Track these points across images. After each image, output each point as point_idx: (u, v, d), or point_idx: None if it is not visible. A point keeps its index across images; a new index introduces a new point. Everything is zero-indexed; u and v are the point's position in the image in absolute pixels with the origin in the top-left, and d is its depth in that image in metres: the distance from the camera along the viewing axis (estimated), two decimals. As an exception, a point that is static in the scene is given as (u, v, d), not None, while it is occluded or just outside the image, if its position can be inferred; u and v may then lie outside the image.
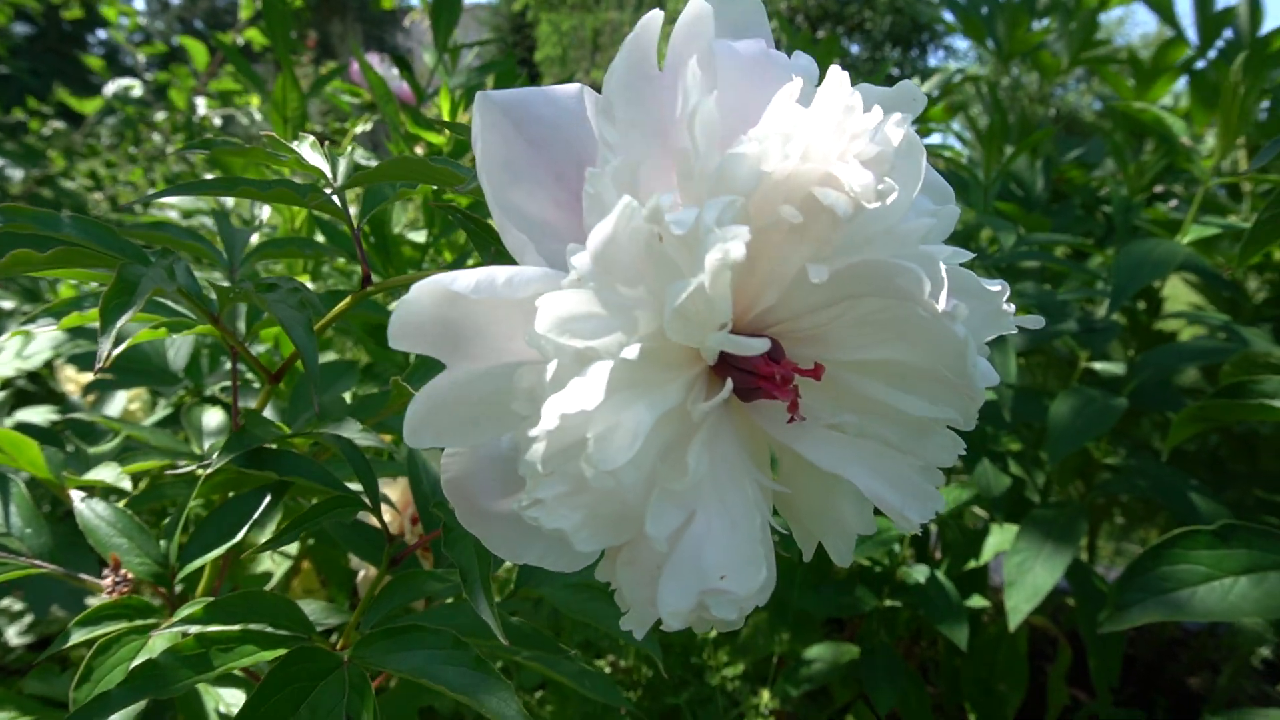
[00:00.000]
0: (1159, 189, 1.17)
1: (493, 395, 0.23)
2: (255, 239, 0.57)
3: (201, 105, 1.82)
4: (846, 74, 0.22)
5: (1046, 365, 1.23)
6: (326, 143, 0.41)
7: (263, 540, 0.40)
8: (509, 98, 0.24)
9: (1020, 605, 0.74)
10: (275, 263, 1.23)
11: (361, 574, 0.78)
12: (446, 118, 0.89)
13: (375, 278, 0.62)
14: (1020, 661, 0.89)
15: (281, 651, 0.35)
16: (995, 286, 0.24)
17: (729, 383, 0.23)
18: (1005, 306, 0.24)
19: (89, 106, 1.87)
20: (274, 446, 0.42)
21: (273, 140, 0.40)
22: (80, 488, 0.49)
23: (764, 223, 0.23)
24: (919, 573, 0.86)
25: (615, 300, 0.22)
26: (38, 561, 0.41)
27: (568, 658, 0.49)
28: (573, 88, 0.25)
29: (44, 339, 1.13)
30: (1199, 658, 1.26)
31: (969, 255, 0.25)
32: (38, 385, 1.23)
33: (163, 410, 0.99)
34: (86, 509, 0.45)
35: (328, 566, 0.90)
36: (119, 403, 1.03)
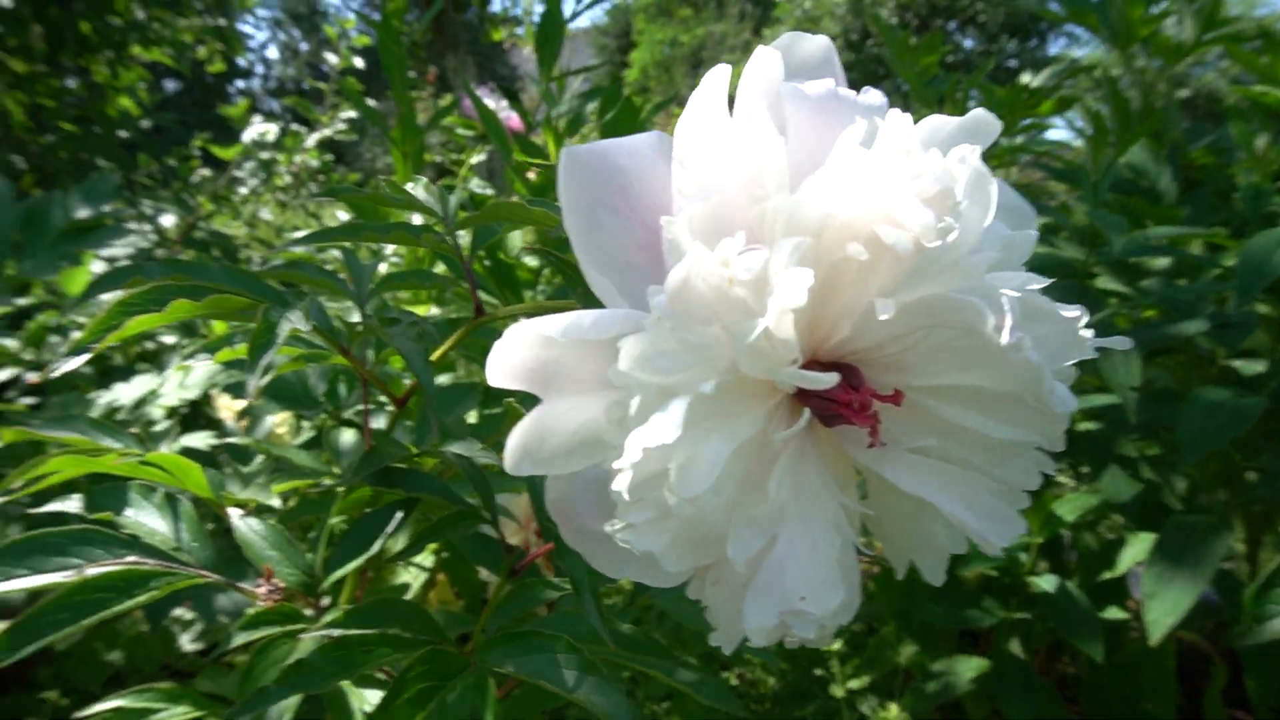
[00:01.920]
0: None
1: (584, 427, 0.25)
2: (383, 268, 0.62)
3: (312, 140, 1.95)
4: (907, 115, 0.23)
5: (1189, 365, 1.16)
6: (445, 175, 0.44)
7: (396, 551, 0.44)
8: (590, 152, 0.26)
9: (1161, 619, 0.71)
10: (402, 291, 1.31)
11: (492, 585, 0.82)
12: (551, 148, 0.93)
13: (488, 304, 0.66)
14: (1168, 679, 0.85)
15: (414, 653, 0.38)
16: (1072, 312, 0.24)
17: (806, 413, 0.25)
18: (1082, 331, 0.24)
19: (229, 153, 2.03)
20: (403, 465, 0.46)
21: (391, 184, 0.44)
22: (236, 505, 0.55)
23: (835, 258, 0.24)
24: (1047, 582, 0.83)
25: (692, 339, 0.23)
26: (204, 572, 0.46)
27: (686, 666, 0.51)
28: (650, 136, 0.27)
29: (201, 371, 1.24)
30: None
31: (1043, 282, 0.25)
32: (198, 413, 1.36)
33: (306, 433, 1.08)
34: (244, 525, 0.50)
35: (461, 579, 0.95)
36: (267, 426, 1.12)
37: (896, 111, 0.23)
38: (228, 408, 1.26)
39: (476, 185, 1.41)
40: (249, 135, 2.36)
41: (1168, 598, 0.71)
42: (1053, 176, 1.16)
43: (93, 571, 0.44)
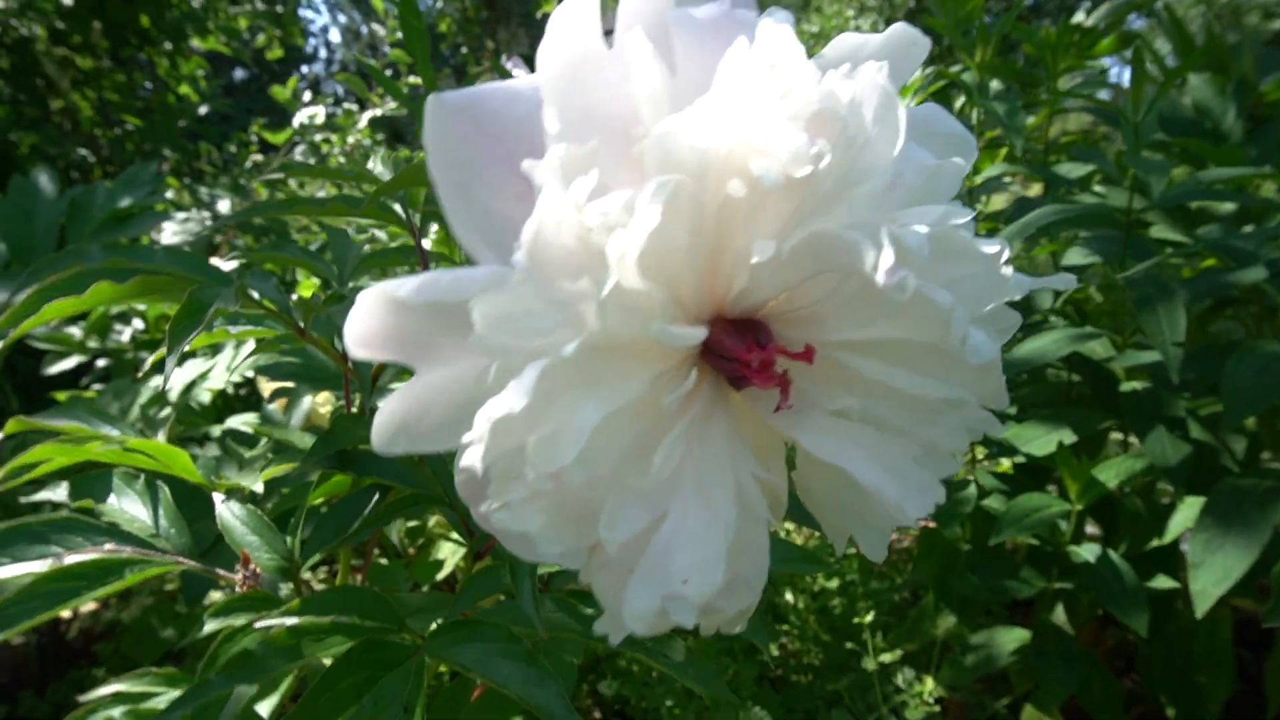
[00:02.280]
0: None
1: (463, 398, 0.23)
2: (368, 249, 0.61)
3: (365, 119, 1.96)
4: (786, 27, 0.20)
5: (1260, 317, 1.08)
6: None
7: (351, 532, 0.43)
8: (462, 97, 0.24)
9: (1209, 589, 0.66)
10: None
11: None
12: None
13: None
14: (1224, 650, 0.79)
15: (354, 640, 0.37)
16: (991, 248, 0.21)
17: (693, 374, 0.22)
18: (1003, 270, 0.21)
19: (280, 138, 2.06)
20: (365, 448, 0.45)
21: (350, 159, 0.43)
22: (227, 491, 0.55)
23: (721, 199, 0.21)
24: (1089, 551, 0.78)
25: (558, 296, 0.21)
26: (180, 559, 0.46)
27: (677, 650, 0.49)
28: (536, 77, 0.25)
29: (247, 353, 1.26)
30: None
31: (966, 215, 0.22)
32: (254, 394, 1.39)
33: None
34: (225, 510, 0.50)
35: (497, 553, 0.95)
36: (305, 407, 1.14)
37: (769, 20, 0.20)
38: (267, 388, 1.28)
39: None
40: (299, 118, 2.39)
41: (1216, 566, 0.66)
42: (1103, 120, 1.08)
43: (71, 559, 0.44)
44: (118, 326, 1.44)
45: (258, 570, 0.47)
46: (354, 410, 0.48)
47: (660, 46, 0.23)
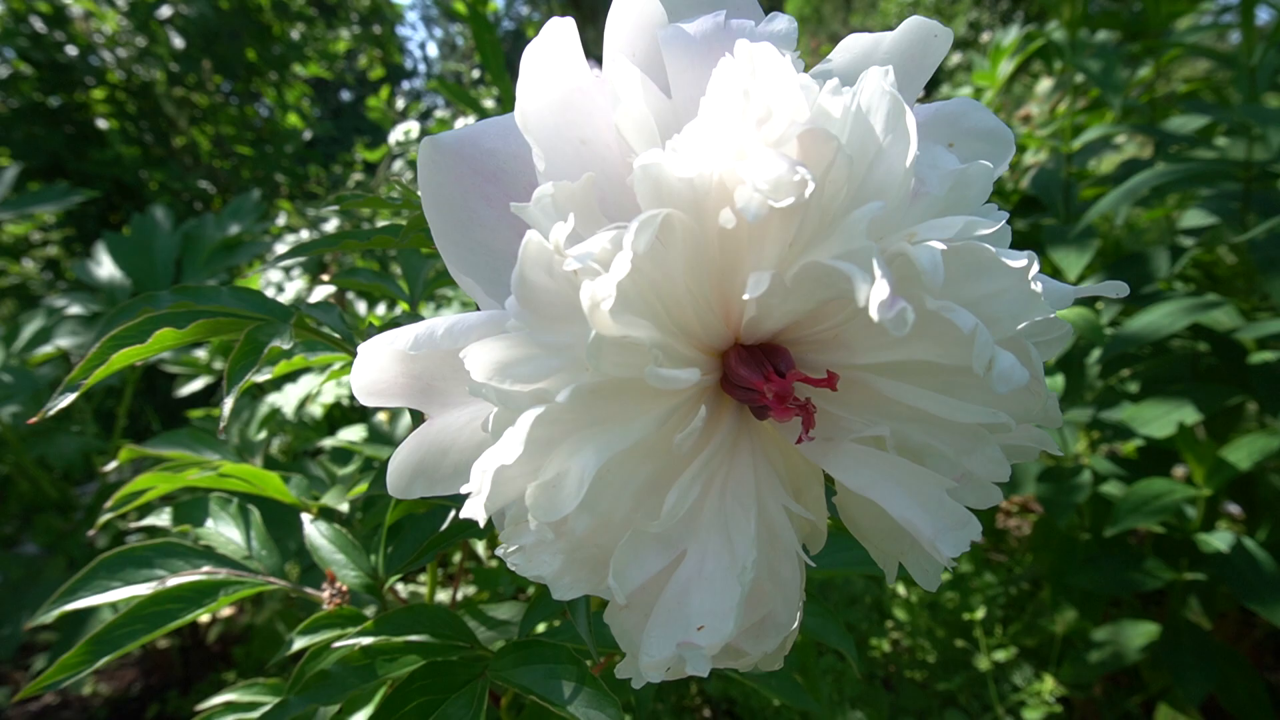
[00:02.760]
0: None
1: (479, 442, 0.23)
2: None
3: (459, 125, 2.01)
4: (766, 45, 0.19)
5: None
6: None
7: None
8: (455, 138, 0.23)
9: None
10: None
11: None
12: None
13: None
14: (1384, 645, 0.71)
15: (428, 659, 0.37)
16: (1018, 261, 0.19)
17: (700, 412, 0.21)
18: (1033, 285, 0.19)
19: (376, 155, 2.14)
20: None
21: (389, 185, 0.44)
22: (319, 511, 0.57)
23: (719, 230, 0.20)
24: (1221, 539, 0.72)
25: (552, 340, 0.20)
26: (271, 579, 0.48)
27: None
28: (510, 117, 0.24)
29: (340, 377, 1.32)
30: None
31: (994, 225, 0.20)
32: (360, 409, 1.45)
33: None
34: (313, 530, 0.52)
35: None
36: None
37: (744, 41, 0.19)
38: (374, 402, 1.33)
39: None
40: (395, 135, 2.47)
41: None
42: (1220, 65, 0.99)
43: (172, 583, 0.47)
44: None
45: (344, 588, 0.49)
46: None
47: (653, 69, 0.22)
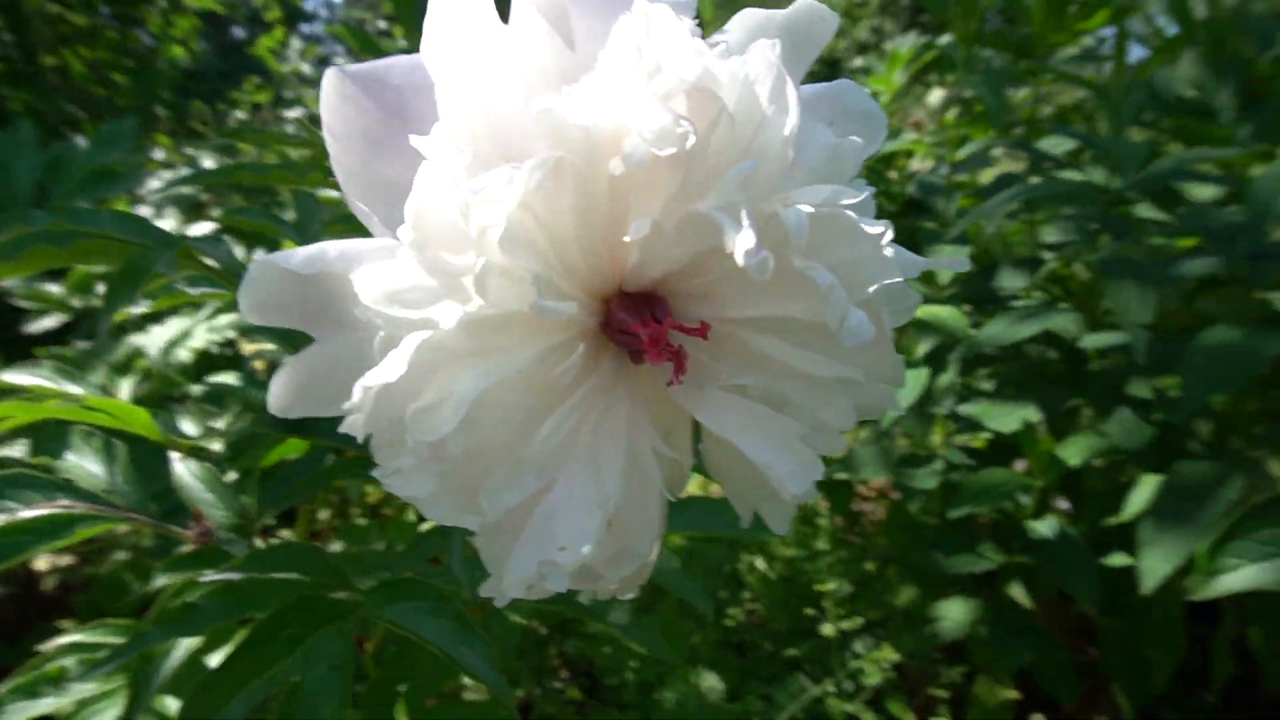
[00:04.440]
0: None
1: (342, 365, 0.24)
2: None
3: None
4: (663, 5, 0.20)
5: (1240, 297, 1.08)
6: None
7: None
8: (365, 70, 0.24)
9: (1156, 567, 0.67)
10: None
11: None
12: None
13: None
14: (1173, 626, 0.81)
15: (292, 597, 0.38)
16: (875, 229, 0.21)
17: (579, 348, 0.23)
18: (885, 251, 0.21)
19: (263, 96, 2.05)
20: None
21: (302, 124, 0.43)
22: (189, 450, 0.56)
23: (609, 177, 0.21)
24: (1047, 527, 0.79)
25: (443, 268, 0.21)
26: (133, 514, 0.47)
27: (623, 612, 0.50)
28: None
29: (228, 317, 1.27)
30: None
31: (858, 195, 0.22)
32: (235, 352, 1.39)
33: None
34: (181, 468, 0.50)
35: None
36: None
37: (663, 6, 0.20)
38: (249, 349, 1.28)
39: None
40: (284, 70, 2.37)
41: (1165, 546, 0.67)
42: (1082, 84, 1.07)
43: (24, 515, 0.45)
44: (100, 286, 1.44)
45: (211, 527, 0.48)
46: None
47: (558, 21, 0.23)
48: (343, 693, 0.32)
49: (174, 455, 0.53)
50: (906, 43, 1.48)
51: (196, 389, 1.14)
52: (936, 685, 0.92)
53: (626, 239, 0.20)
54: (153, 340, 1.28)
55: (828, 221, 0.21)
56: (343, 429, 0.21)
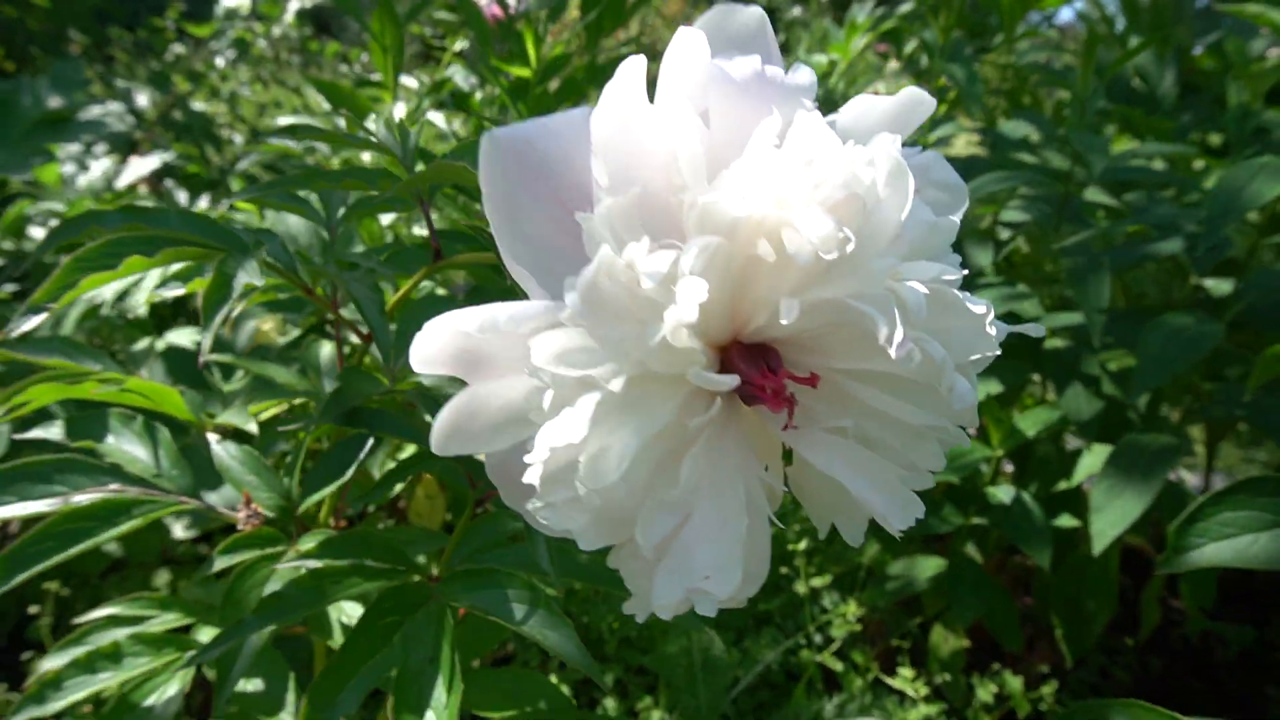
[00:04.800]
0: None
1: (511, 406, 0.27)
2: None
3: (292, 8, 1.89)
4: (815, 114, 0.23)
5: (1170, 274, 1.16)
6: (430, 59, 0.44)
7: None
8: (511, 136, 0.26)
9: (1106, 530, 0.74)
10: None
11: (413, 502, 0.85)
12: (530, 47, 0.90)
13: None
14: (1110, 581, 0.89)
15: (378, 584, 0.40)
16: (979, 308, 0.25)
17: (717, 402, 0.26)
18: (989, 329, 0.25)
19: (204, 31, 1.96)
20: (373, 404, 0.47)
21: (350, 122, 0.44)
22: (215, 429, 0.57)
23: (750, 253, 0.25)
24: (1004, 493, 0.87)
25: (605, 335, 0.24)
26: (184, 499, 0.49)
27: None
28: (577, 114, 0.27)
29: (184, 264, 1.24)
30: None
31: (957, 273, 0.26)
32: (181, 308, 1.36)
33: (295, 332, 1.09)
34: (222, 451, 0.52)
35: (448, 475, 0.99)
36: (250, 330, 1.13)
37: (803, 113, 0.23)
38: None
39: (460, 76, 1.37)
40: (221, 9, 2.26)
41: (1114, 511, 0.74)
42: (1052, 81, 1.13)
43: (78, 500, 0.46)
44: (33, 229, 1.39)
45: (260, 510, 0.50)
46: (352, 362, 0.51)
47: (700, 99, 0.26)
48: (444, 679, 0.36)
49: (211, 437, 0.55)
50: (865, 11, 1.50)
51: (160, 344, 1.12)
52: (895, 636, 1.00)
53: (783, 321, 0.23)
54: (102, 291, 1.26)
55: (938, 298, 0.25)
56: (526, 478, 0.24)
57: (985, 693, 0.85)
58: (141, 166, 1.65)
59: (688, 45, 0.25)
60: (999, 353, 0.25)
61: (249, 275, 0.37)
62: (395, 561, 0.44)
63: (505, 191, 0.26)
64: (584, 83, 1.08)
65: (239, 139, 2.09)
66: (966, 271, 0.26)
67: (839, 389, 0.28)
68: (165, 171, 1.92)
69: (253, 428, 0.55)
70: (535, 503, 0.26)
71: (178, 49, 2.28)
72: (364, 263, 0.42)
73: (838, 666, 0.90)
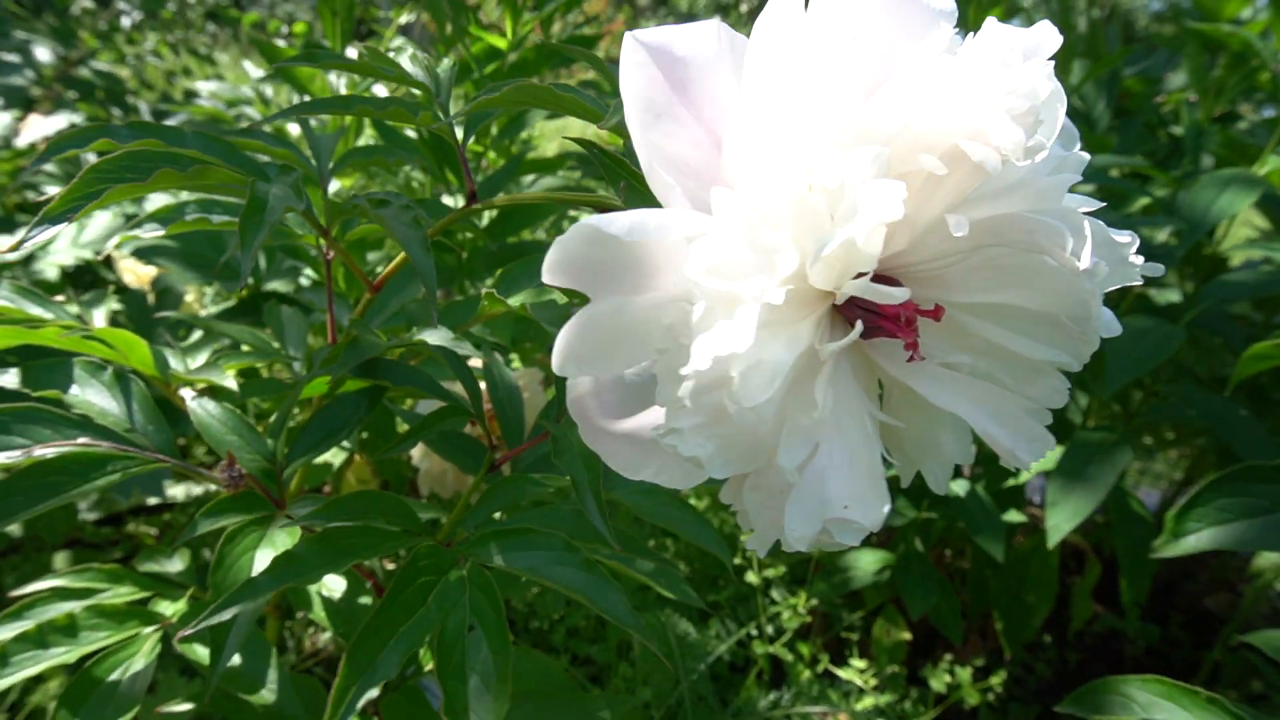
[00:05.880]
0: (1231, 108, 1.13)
1: (629, 328, 0.25)
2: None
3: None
4: (1003, 25, 0.23)
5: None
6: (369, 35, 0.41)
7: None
8: (654, 39, 0.24)
9: (1061, 525, 0.77)
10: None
11: (424, 468, 0.81)
12: (508, 23, 0.88)
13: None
14: (1051, 575, 0.93)
15: (393, 545, 0.38)
16: (1124, 238, 0.25)
17: (859, 325, 0.25)
18: (1133, 258, 0.25)
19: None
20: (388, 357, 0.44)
21: (374, 54, 0.41)
22: (185, 384, 0.52)
23: (902, 170, 0.24)
24: (959, 486, 0.89)
25: (760, 244, 0.23)
26: (160, 456, 0.44)
27: (652, 557, 0.53)
28: (710, 25, 0.26)
29: (98, 228, 1.16)
30: (1217, 578, 1.30)
31: (1098, 205, 0.25)
32: (88, 272, 1.26)
33: (225, 301, 1.02)
34: (199, 407, 0.48)
35: (380, 460, 0.94)
36: (177, 296, 1.06)
37: (993, 20, 0.23)
38: (132, 271, 1.17)
39: (408, 54, 1.32)
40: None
41: (1067, 506, 0.77)
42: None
43: (42, 453, 0.41)
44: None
45: (243, 472, 0.46)
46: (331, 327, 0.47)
47: (849, 11, 0.25)
48: (489, 642, 0.33)
49: (186, 393, 0.50)
50: None
51: (73, 308, 1.03)
52: (840, 628, 1.01)
53: (956, 234, 0.23)
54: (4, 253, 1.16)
55: (1095, 230, 0.25)
56: (676, 393, 0.22)
57: (938, 682, 0.86)
58: (45, 126, 1.53)
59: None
60: (1141, 282, 0.25)
61: (285, 200, 0.34)
62: (406, 523, 0.41)
63: (649, 99, 0.24)
64: (541, 60, 1.06)
65: (144, 105, 1.96)
66: (1105, 204, 0.26)
67: (955, 324, 0.27)
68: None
69: (231, 384, 0.51)
70: (661, 428, 0.24)
71: (86, 3, 2.12)
72: (394, 199, 0.39)
73: (788, 657, 0.90)
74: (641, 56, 0.24)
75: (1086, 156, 0.26)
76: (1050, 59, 0.27)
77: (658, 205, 0.25)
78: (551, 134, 2.17)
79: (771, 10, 0.23)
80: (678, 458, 0.25)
